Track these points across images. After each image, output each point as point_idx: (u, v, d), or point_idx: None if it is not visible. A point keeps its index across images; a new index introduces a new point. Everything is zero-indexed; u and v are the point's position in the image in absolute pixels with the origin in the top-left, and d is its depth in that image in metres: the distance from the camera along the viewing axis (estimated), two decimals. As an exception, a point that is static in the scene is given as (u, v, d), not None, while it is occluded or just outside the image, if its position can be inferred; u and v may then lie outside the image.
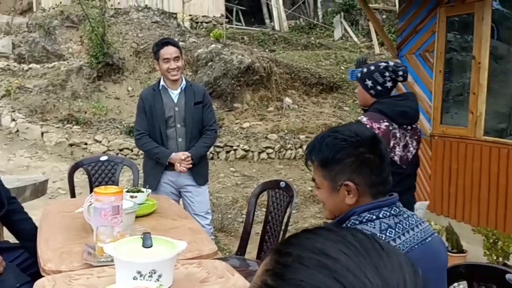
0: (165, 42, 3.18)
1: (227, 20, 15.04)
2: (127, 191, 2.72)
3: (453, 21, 4.76)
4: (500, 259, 3.55)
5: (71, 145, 7.02)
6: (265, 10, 16.44)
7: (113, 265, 1.80)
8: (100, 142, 7.06)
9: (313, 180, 1.39)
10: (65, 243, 2.15)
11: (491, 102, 4.50)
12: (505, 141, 4.18)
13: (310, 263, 0.51)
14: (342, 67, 11.90)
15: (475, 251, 3.85)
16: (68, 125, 7.41)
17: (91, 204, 2.21)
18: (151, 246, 1.69)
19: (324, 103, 10.43)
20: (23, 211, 2.55)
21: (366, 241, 0.54)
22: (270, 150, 7.49)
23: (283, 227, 2.69)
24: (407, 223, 1.31)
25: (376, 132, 2.13)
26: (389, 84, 2.42)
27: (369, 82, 2.44)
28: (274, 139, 7.76)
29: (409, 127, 2.45)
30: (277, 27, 15.78)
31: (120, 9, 10.86)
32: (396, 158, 2.37)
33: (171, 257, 1.66)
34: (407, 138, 2.43)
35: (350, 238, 0.54)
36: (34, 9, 14.06)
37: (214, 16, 14.35)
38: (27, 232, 2.46)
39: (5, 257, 2.23)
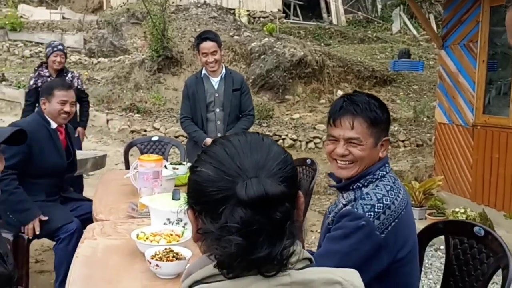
0: (204, 38, 3.45)
1: (284, 15, 15.29)
2: (171, 164, 3.12)
3: (498, 11, 4.74)
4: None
5: (132, 131, 7.62)
6: (323, 5, 16.49)
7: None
8: (158, 129, 7.61)
9: (348, 140, 1.51)
10: (114, 201, 2.56)
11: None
12: (545, 130, 4.16)
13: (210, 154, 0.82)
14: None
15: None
16: (130, 113, 8.03)
17: (136, 171, 2.59)
18: (179, 199, 2.03)
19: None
20: None
21: (254, 137, 0.83)
22: (317, 140, 7.70)
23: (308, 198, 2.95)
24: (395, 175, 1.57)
25: None
26: None
27: None
28: (322, 129, 7.95)
29: None
30: (334, 22, 15.80)
31: (180, 5, 11.44)
32: None
33: (194, 208, 1.99)
34: None
35: (242, 136, 0.84)
36: (104, 7, 15.08)
37: (271, 11, 14.66)
38: None
39: (71, 205, 2.86)
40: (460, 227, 1.65)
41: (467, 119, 5.02)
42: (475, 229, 1.57)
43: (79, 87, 4.62)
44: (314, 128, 8.01)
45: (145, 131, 7.56)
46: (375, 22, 15.79)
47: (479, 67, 4.84)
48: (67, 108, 2.83)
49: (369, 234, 1.38)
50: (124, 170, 3.78)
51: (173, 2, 11.21)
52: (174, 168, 3.00)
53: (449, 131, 5.30)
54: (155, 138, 4.05)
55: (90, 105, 8.26)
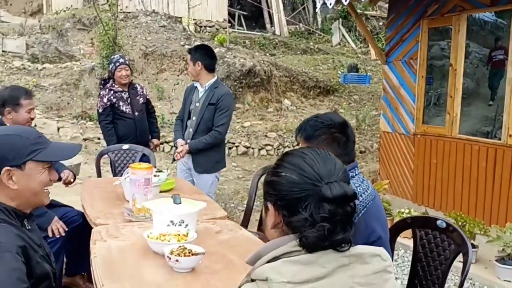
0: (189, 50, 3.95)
1: (230, 24, 15.61)
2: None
3: (435, 32, 5.32)
4: (467, 239, 4.10)
5: (85, 139, 7.57)
6: (266, 15, 17.01)
7: (149, 221, 2.36)
8: (112, 137, 7.60)
9: None
10: (105, 207, 2.71)
11: (474, 104, 5.03)
12: (476, 138, 4.74)
13: (291, 162, 1.08)
14: (339, 72, 12.47)
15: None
16: (82, 121, 7.95)
17: (127, 177, 2.76)
18: (180, 203, 2.24)
19: (321, 105, 10.99)
20: None
21: (322, 152, 1.11)
22: (269, 147, 8.05)
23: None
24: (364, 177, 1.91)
25: None
26: None
27: None
28: (273, 137, 8.32)
29: None
30: (277, 32, 16.35)
31: (129, 13, 11.43)
32: None
33: (196, 211, 2.22)
34: None
35: (313, 150, 1.11)
36: (45, 11, 14.64)
37: (217, 21, 14.94)
38: None
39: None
40: (425, 221, 2.01)
41: (409, 128, 5.56)
42: (438, 222, 1.93)
43: (148, 97, 4.67)
44: (266, 136, 8.36)
45: (99, 139, 7.53)
46: (316, 34, 16.51)
47: (419, 81, 5.40)
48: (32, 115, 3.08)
49: None
50: (97, 178, 3.90)
51: (121, 10, 11.18)
52: (155, 176, 3.18)
53: (392, 139, 5.83)
54: (125, 147, 4.18)
55: (39, 112, 8.14)
